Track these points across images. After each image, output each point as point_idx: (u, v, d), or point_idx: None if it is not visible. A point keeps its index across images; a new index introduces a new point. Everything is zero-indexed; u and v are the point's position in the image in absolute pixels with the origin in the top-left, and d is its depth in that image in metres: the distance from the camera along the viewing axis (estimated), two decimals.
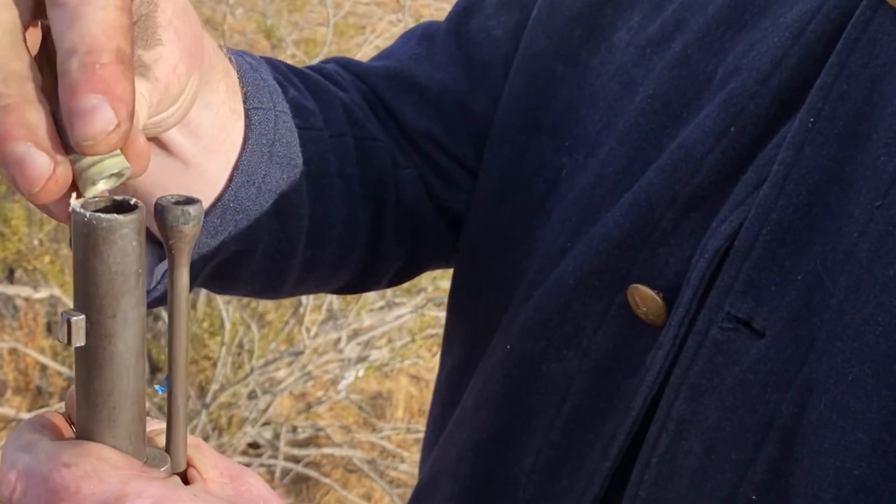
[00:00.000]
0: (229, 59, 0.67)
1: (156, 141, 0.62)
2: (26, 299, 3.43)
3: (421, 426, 3.68)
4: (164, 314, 3.20)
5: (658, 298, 0.66)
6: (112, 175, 0.44)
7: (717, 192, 0.65)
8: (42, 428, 0.47)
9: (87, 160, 0.43)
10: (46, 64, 0.49)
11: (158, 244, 0.68)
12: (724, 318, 0.62)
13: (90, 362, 0.44)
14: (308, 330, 3.39)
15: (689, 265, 0.64)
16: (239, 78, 0.67)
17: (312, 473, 3.36)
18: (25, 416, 3.08)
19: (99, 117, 0.42)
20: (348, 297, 3.48)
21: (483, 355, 0.79)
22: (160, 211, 0.44)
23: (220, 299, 3.33)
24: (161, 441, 0.48)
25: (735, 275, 0.62)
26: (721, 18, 0.69)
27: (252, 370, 3.34)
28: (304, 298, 3.38)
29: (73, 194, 0.44)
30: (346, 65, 0.85)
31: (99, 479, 0.43)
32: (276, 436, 3.43)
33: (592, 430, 0.69)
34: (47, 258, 3.42)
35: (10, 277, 3.58)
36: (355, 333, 3.52)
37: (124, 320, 0.43)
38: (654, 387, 0.64)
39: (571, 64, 0.76)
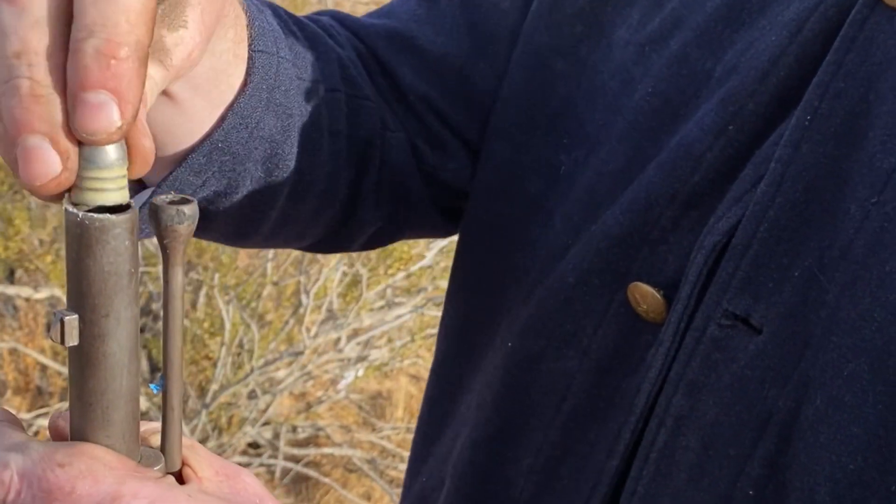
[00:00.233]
0: (243, 7, 0.65)
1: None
2: (27, 299, 3.44)
3: None
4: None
5: (658, 296, 0.66)
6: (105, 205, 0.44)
7: (716, 190, 0.65)
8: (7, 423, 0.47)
9: (92, 183, 0.43)
10: None
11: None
12: (722, 315, 0.62)
13: (83, 362, 0.44)
14: (308, 330, 3.39)
15: (688, 262, 0.64)
16: (246, 20, 0.66)
17: (312, 473, 3.36)
18: (26, 416, 3.09)
19: (105, 115, 0.42)
20: (348, 297, 3.49)
21: (473, 350, 0.79)
22: (154, 210, 0.44)
23: (220, 299, 3.33)
24: (155, 440, 0.48)
25: (733, 271, 0.62)
26: (719, 16, 0.69)
27: (252, 370, 3.34)
28: (303, 298, 3.38)
29: (67, 194, 0.44)
30: (342, 20, 0.84)
31: (94, 479, 0.43)
32: (276, 436, 3.43)
33: (594, 429, 0.69)
34: (49, 258, 3.42)
35: (11, 278, 3.58)
36: (355, 333, 3.52)
37: (117, 320, 0.43)
38: (657, 384, 0.65)
39: (571, 61, 0.76)
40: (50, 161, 0.42)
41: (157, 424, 0.49)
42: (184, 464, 0.48)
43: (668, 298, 0.65)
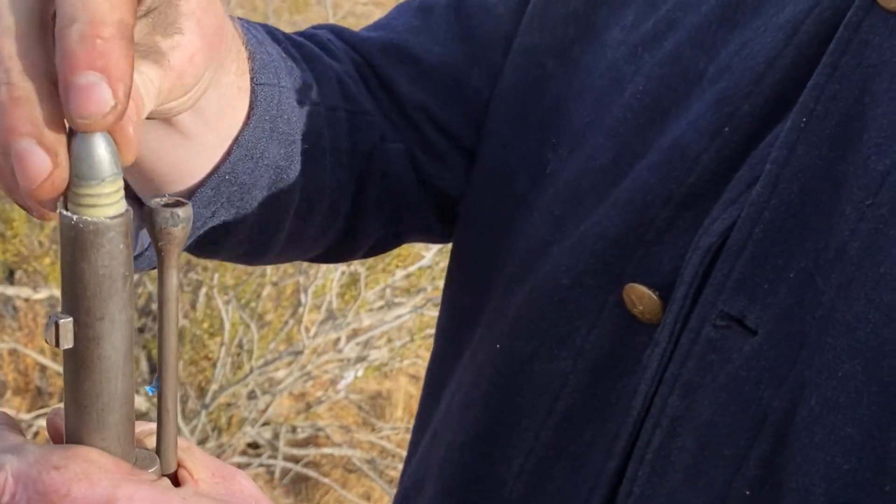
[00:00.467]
0: (240, 35, 0.66)
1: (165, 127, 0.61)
2: (26, 300, 3.44)
3: None
4: None
5: (654, 296, 0.66)
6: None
7: (712, 191, 0.65)
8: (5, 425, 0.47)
9: (88, 199, 0.43)
10: None
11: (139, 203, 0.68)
12: (718, 316, 0.62)
13: (78, 364, 0.44)
14: (307, 330, 3.39)
15: (683, 263, 0.65)
16: (247, 54, 0.66)
17: (312, 473, 3.36)
18: (25, 416, 3.09)
19: (96, 96, 0.41)
20: (347, 297, 3.49)
21: (462, 349, 0.79)
22: (149, 213, 0.44)
23: (219, 300, 3.33)
24: (151, 442, 0.49)
25: (728, 273, 0.62)
26: (714, 17, 0.69)
27: (251, 370, 3.34)
28: (303, 298, 3.38)
29: (62, 199, 0.44)
30: (340, 33, 0.84)
31: (90, 482, 0.43)
32: (276, 436, 3.43)
33: (589, 430, 0.69)
34: (48, 260, 3.42)
35: (10, 278, 3.58)
36: (354, 333, 3.52)
37: (112, 322, 0.43)
38: (654, 385, 0.65)
39: (563, 61, 0.76)
40: (39, 160, 0.42)
41: (153, 426, 0.49)
42: (179, 466, 0.48)
43: (663, 299, 0.66)
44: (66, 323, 0.43)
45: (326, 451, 3.44)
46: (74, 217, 0.42)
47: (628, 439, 0.66)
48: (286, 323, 3.49)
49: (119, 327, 0.44)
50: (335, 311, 3.46)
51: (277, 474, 3.41)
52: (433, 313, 3.50)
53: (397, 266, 3.51)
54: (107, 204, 0.42)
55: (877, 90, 0.59)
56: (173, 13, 0.52)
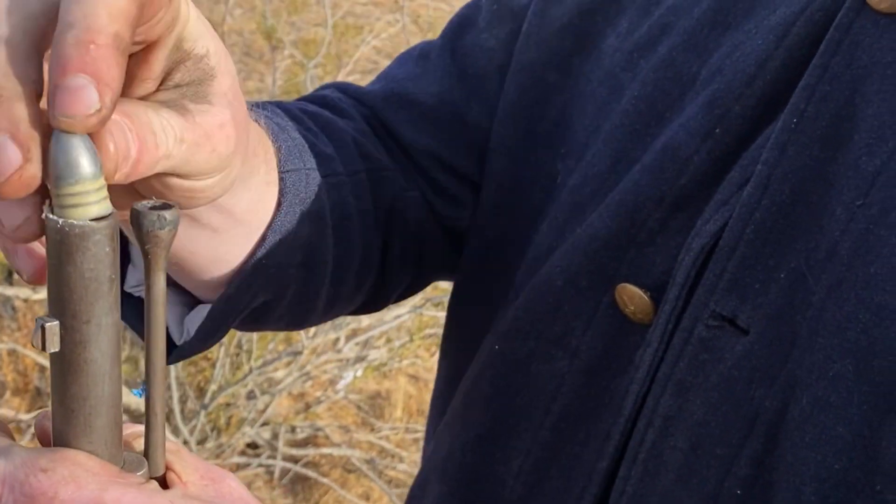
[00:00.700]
0: (264, 128, 0.67)
1: (187, 215, 0.62)
2: (25, 300, 3.44)
3: (420, 426, 3.69)
4: None
5: (646, 297, 0.66)
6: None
7: (703, 192, 0.65)
8: None
9: (70, 199, 0.43)
10: None
11: (185, 294, 0.69)
12: (710, 316, 0.62)
13: (65, 368, 0.44)
14: (306, 330, 3.39)
15: (675, 264, 0.65)
16: (275, 148, 0.68)
17: (311, 473, 3.36)
18: (24, 417, 3.09)
19: (83, 98, 0.42)
20: None
21: (466, 354, 0.80)
22: (136, 216, 0.44)
23: None
24: (139, 445, 0.49)
25: (720, 273, 0.62)
26: (706, 20, 0.70)
27: (250, 370, 3.34)
28: None
29: (46, 202, 0.44)
30: (345, 89, 0.86)
31: (77, 485, 0.43)
32: (275, 436, 3.43)
33: (583, 430, 0.69)
34: None
35: (9, 279, 3.58)
36: (354, 333, 3.53)
37: (98, 326, 0.43)
38: (645, 384, 0.65)
39: (564, 73, 0.77)
40: (9, 153, 0.42)
41: (141, 428, 0.49)
42: (168, 468, 0.48)
43: (655, 300, 0.66)
44: (53, 326, 0.43)
45: (325, 451, 3.44)
46: (60, 221, 0.42)
47: (620, 439, 0.66)
48: None
49: (105, 330, 0.44)
50: None
51: (276, 474, 3.41)
52: (432, 313, 3.51)
53: None
54: (89, 203, 0.43)
55: (867, 91, 0.59)
56: (204, 90, 0.53)
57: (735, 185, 0.63)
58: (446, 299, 3.59)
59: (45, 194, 0.44)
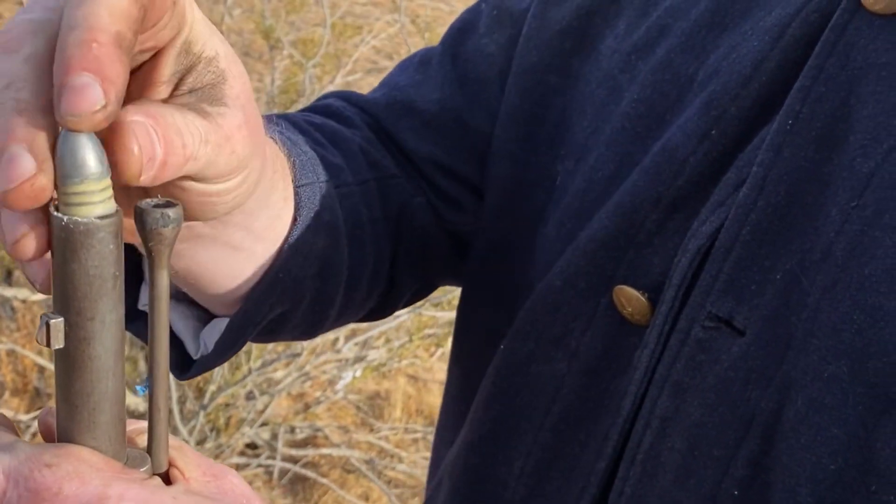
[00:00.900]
0: (278, 144, 0.68)
1: (209, 234, 0.62)
2: (24, 301, 3.43)
3: (419, 426, 3.69)
4: None
5: (643, 298, 0.66)
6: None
7: (700, 194, 0.66)
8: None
9: (76, 198, 0.43)
10: None
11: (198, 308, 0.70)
12: (706, 317, 0.62)
13: (69, 364, 0.44)
14: None
15: (672, 265, 0.65)
16: (290, 164, 0.68)
17: (310, 474, 3.36)
18: (24, 417, 3.09)
19: (88, 95, 0.42)
20: None
21: (475, 358, 0.81)
22: (140, 214, 0.45)
23: None
24: (142, 441, 0.49)
25: (716, 274, 0.62)
26: (703, 22, 0.70)
27: (250, 371, 3.34)
28: None
29: (53, 201, 0.44)
30: (348, 98, 0.87)
31: (81, 481, 0.44)
32: (274, 436, 3.43)
33: (583, 431, 0.69)
34: None
35: (8, 279, 3.58)
36: (353, 333, 3.52)
37: (102, 322, 0.44)
38: (643, 386, 0.65)
39: (565, 75, 0.78)
40: (24, 163, 0.42)
41: (144, 424, 0.49)
42: (171, 465, 0.49)
43: (652, 301, 0.66)
44: (57, 323, 0.43)
45: (325, 451, 3.44)
46: (65, 218, 0.42)
47: (618, 440, 0.67)
48: None
49: (109, 327, 0.44)
50: None
51: (276, 475, 3.41)
52: (431, 313, 3.50)
53: None
54: (94, 202, 0.43)
55: (862, 92, 0.59)
56: (218, 93, 0.53)
57: (731, 187, 0.63)
58: (445, 300, 3.59)
59: (46, 209, 0.44)
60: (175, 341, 0.71)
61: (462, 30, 0.86)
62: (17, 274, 3.57)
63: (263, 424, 3.42)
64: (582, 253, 0.70)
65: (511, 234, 0.79)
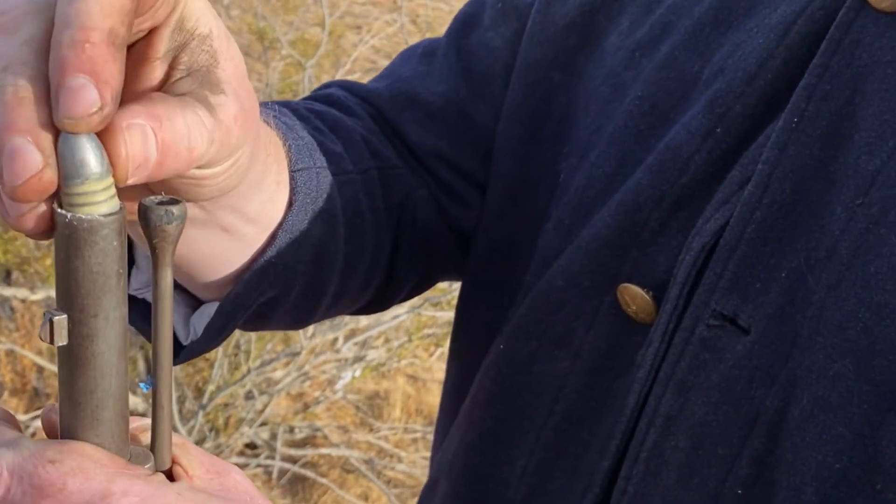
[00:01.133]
0: (273, 129, 0.67)
1: (200, 216, 0.62)
2: (23, 301, 3.44)
3: (418, 426, 3.69)
4: None
5: (647, 297, 0.66)
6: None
7: (704, 191, 0.65)
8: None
9: (80, 198, 0.43)
10: None
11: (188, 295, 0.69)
12: (711, 315, 0.62)
13: (73, 361, 0.44)
14: (305, 330, 3.39)
15: (677, 263, 0.65)
16: (285, 148, 0.68)
17: (310, 474, 3.36)
18: (23, 417, 3.09)
19: (83, 98, 0.42)
20: None
21: (474, 356, 0.80)
22: (144, 211, 0.45)
23: None
24: (145, 439, 0.49)
25: (721, 272, 0.62)
26: (707, 20, 0.70)
27: (249, 371, 3.34)
28: None
29: (56, 200, 0.44)
30: (350, 88, 0.86)
31: (85, 476, 0.43)
32: (274, 436, 3.43)
33: (586, 430, 0.69)
34: (47, 261, 3.42)
35: (7, 279, 3.58)
36: (352, 333, 3.53)
37: (106, 319, 0.44)
38: (647, 384, 0.65)
39: (569, 72, 0.77)
40: (31, 158, 0.42)
41: (147, 422, 0.49)
42: (174, 462, 0.48)
43: (657, 299, 0.66)
44: (61, 320, 0.43)
45: (324, 451, 3.44)
46: (68, 215, 0.42)
47: (622, 438, 0.66)
48: None
49: (113, 324, 0.44)
50: None
51: (275, 475, 3.41)
52: (430, 313, 3.51)
53: None
54: (97, 202, 0.43)
55: (868, 90, 0.59)
56: (214, 78, 0.52)
57: (736, 184, 0.63)
58: (444, 299, 3.60)
59: (53, 193, 0.44)
60: None
61: (466, 22, 0.85)
62: (17, 274, 3.57)
63: (262, 424, 3.42)
64: (585, 251, 0.70)
65: (513, 231, 0.79)
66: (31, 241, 3.53)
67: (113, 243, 0.43)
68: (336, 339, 3.48)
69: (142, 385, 0.47)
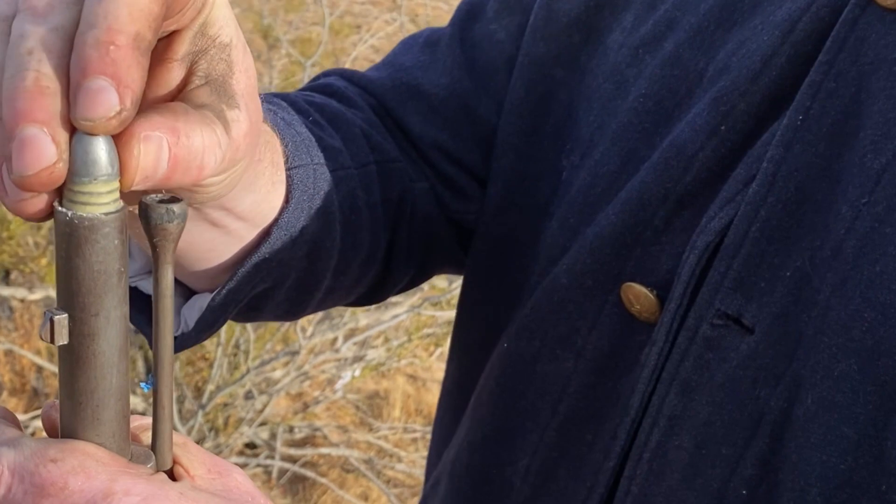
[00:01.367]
0: (272, 128, 0.67)
1: (194, 215, 0.62)
2: (22, 300, 3.43)
3: (418, 426, 3.69)
4: None
5: (651, 296, 0.66)
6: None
7: (708, 190, 0.65)
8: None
9: (84, 197, 0.43)
10: None
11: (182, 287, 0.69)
12: (715, 315, 0.62)
13: (74, 360, 0.44)
14: (304, 330, 3.39)
15: (681, 262, 0.65)
16: (282, 146, 0.67)
17: (309, 473, 3.36)
18: (22, 417, 3.08)
19: (103, 100, 0.42)
20: None
21: (475, 356, 0.80)
22: (144, 209, 0.44)
23: None
24: (146, 438, 0.48)
25: (725, 271, 0.62)
26: (712, 17, 0.69)
27: (248, 370, 3.34)
28: None
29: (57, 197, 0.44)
30: (351, 77, 0.85)
31: (86, 475, 0.43)
32: (273, 436, 3.43)
33: (590, 430, 0.69)
34: (44, 261, 3.42)
35: (6, 279, 3.58)
36: (352, 333, 3.52)
37: (107, 318, 0.43)
38: (651, 384, 0.65)
39: (572, 69, 0.77)
40: (46, 150, 0.42)
41: (148, 421, 0.49)
42: (175, 462, 0.48)
43: (661, 298, 0.66)
44: (62, 319, 0.43)
45: (324, 451, 3.44)
46: (69, 213, 0.42)
47: (626, 438, 0.66)
48: (283, 323, 3.48)
49: (114, 323, 0.44)
50: (332, 311, 3.46)
51: (275, 474, 3.41)
52: (430, 313, 3.51)
53: None
54: (100, 203, 0.43)
55: (873, 87, 0.59)
56: (230, 89, 0.52)
57: (740, 183, 0.63)
58: (444, 299, 3.59)
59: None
60: None
61: (470, 13, 0.84)
62: (15, 274, 3.57)
63: (262, 424, 3.42)
64: (588, 250, 0.69)
65: (514, 228, 0.78)
66: (30, 241, 3.53)
67: (114, 242, 0.43)
68: (335, 339, 3.48)
69: (142, 385, 0.46)
